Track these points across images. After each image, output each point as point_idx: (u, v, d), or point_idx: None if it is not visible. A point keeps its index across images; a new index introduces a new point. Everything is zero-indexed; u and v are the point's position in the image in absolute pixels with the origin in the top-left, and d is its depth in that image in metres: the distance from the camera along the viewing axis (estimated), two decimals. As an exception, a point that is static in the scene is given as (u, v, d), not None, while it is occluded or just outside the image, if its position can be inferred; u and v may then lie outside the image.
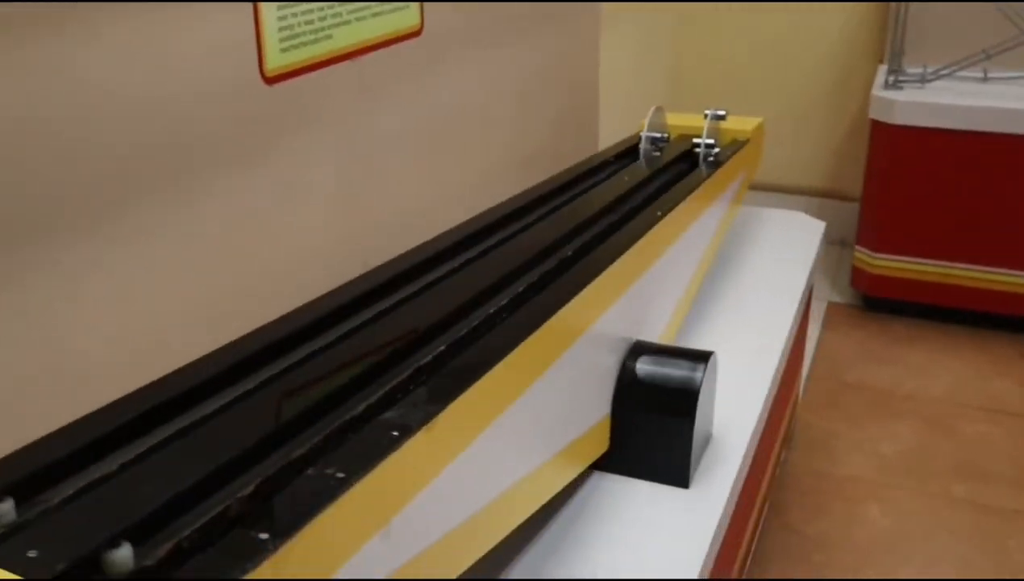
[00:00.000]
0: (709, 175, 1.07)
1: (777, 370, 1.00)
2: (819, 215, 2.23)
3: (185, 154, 0.66)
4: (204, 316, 0.68)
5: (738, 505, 0.87)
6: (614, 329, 0.77)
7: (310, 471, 0.41)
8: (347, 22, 0.80)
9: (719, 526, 0.76)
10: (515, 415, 0.59)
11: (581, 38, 1.45)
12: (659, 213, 0.87)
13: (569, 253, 0.79)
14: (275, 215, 0.76)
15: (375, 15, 0.84)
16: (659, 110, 1.25)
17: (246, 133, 0.70)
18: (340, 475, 0.40)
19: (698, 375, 0.77)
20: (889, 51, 1.86)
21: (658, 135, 1.23)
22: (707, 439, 0.85)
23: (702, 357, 0.79)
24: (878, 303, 1.87)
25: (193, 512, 0.38)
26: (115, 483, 0.41)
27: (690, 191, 0.99)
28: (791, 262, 1.25)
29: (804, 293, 1.19)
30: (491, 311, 0.64)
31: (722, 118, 1.25)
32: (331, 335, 0.58)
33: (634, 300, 0.81)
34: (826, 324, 1.88)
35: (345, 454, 0.42)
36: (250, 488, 0.39)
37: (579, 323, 0.70)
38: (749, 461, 0.89)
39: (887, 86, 1.78)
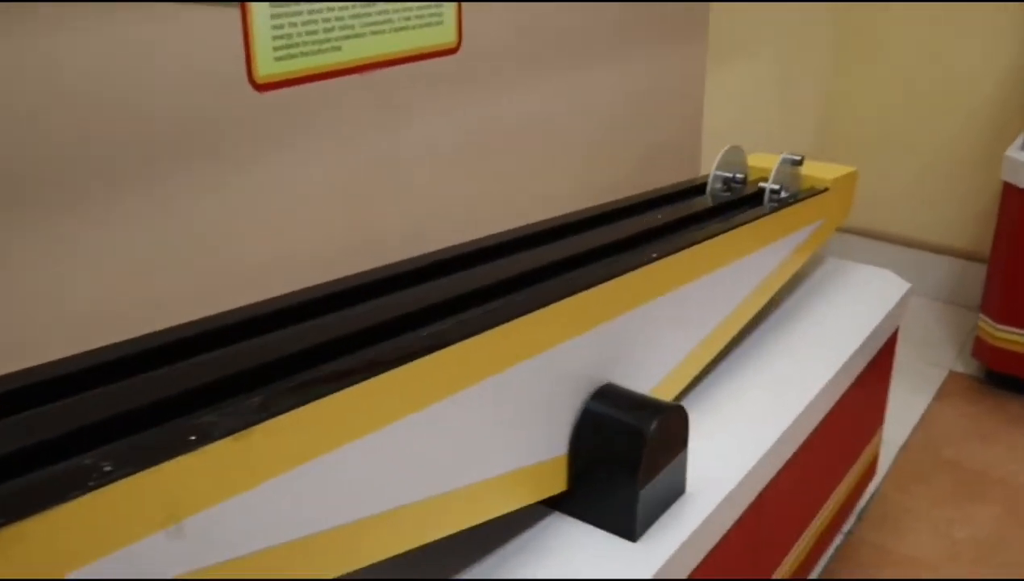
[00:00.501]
0: (755, 218, 1.02)
1: (789, 433, 0.94)
2: (961, 277, 2.06)
3: (167, 147, 0.71)
4: (156, 300, 0.73)
5: (707, 564, 0.83)
6: (574, 364, 0.75)
7: (87, 461, 0.43)
8: (360, 35, 0.82)
9: (653, 585, 0.73)
10: (405, 429, 0.60)
11: (678, 68, 1.41)
12: (654, 255, 0.84)
13: (542, 278, 0.78)
14: (250, 216, 0.80)
15: (398, 29, 0.86)
16: (735, 149, 1.20)
17: (231, 135, 0.75)
18: (108, 469, 0.43)
19: (650, 425, 0.74)
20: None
21: (729, 174, 1.18)
22: (675, 494, 0.81)
23: (662, 408, 0.76)
24: (999, 378, 1.70)
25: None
26: None
27: (722, 232, 0.95)
28: (850, 321, 1.17)
29: (857, 356, 1.11)
30: (411, 326, 0.65)
31: (798, 163, 1.19)
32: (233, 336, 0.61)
33: (608, 337, 0.79)
34: (939, 394, 1.73)
35: (129, 452, 0.45)
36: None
37: (517, 348, 0.69)
38: (723, 522, 0.84)
39: (1023, 148, 1.62)
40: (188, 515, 0.46)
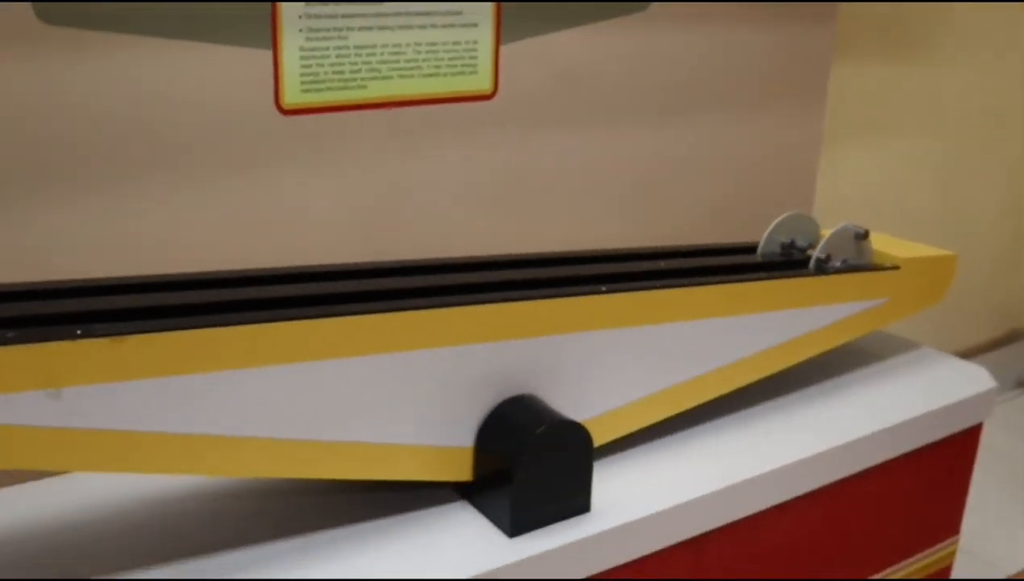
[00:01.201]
0: (764, 278, 1.05)
1: (743, 488, 0.96)
2: None
3: (195, 157, 0.94)
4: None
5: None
6: (490, 366, 0.86)
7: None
8: (388, 77, 1.01)
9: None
10: (294, 373, 0.76)
11: (785, 127, 1.42)
12: (603, 288, 0.92)
13: (491, 289, 0.90)
14: (269, 228, 1.00)
15: (427, 76, 1.03)
16: (802, 217, 1.22)
17: (256, 151, 0.96)
18: (9, 335, 0.64)
19: (536, 430, 0.83)
20: None
21: (788, 240, 1.20)
22: (575, 509, 0.88)
23: (556, 421, 0.85)
24: None
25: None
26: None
27: (713, 283, 1.00)
28: (889, 403, 1.13)
29: (882, 439, 1.07)
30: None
31: (861, 236, 1.17)
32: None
33: (536, 352, 0.89)
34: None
35: (31, 332, 0.66)
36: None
37: (431, 335, 0.82)
38: (626, 546, 0.89)
39: None
40: (65, 386, 0.66)
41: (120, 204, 0.92)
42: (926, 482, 1.20)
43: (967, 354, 2.01)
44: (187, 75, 0.91)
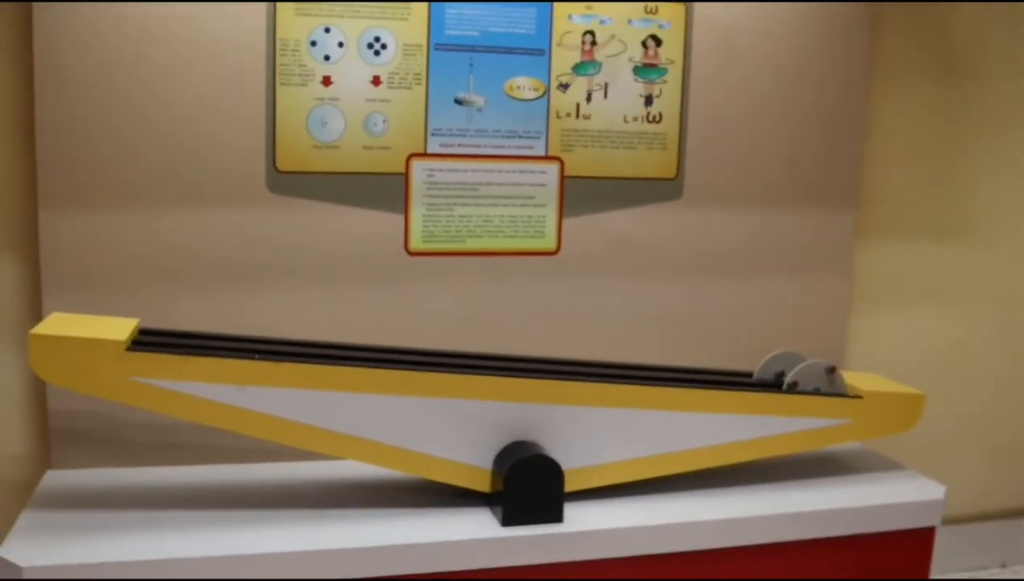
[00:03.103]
0: (729, 388, 1.44)
1: (669, 532, 1.34)
2: None
3: (352, 279, 1.54)
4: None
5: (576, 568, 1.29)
6: (506, 416, 1.33)
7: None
8: (480, 236, 1.56)
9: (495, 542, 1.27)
10: (386, 403, 1.29)
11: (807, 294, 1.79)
12: (592, 377, 1.37)
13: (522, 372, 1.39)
14: (397, 325, 1.57)
15: (508, 236, 1.58)
16: (792, 354, 1.58)
17: (393, 277, 1.54)
18: (221, 354, 1.23)
19: (519, 456, 1.29)
20: None
21: (780, 370, 1.57)
22: (551, 517, 1.31)
23: (536, 456, 1.29)
24: None
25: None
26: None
27: (696, 388, 1.41)
28: (831, 496, 1.45)
29: (816, 520, 1.40)
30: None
31: (830, 370, 1.51)
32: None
33: (536, 413, 1.35)
34: None
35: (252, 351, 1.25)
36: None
37: (460, 391, 1.32)
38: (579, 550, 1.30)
39: None
40: (247, 385, 1.24)
41: (305, 307, 1.53)
42: (878, 569, 1.47)
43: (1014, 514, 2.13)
44: (356, 228, 1.53)
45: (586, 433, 1.38)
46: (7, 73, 1.40)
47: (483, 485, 1.36)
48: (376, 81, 1.51)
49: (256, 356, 1.26)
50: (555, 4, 1.56)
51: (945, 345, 1.98)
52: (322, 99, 1.49)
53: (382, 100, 1.51)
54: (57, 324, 1.20)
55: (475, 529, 1.30)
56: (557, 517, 1.33)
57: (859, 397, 1.52)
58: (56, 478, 1.40)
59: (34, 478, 1.44)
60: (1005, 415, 2.06)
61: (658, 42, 1.61)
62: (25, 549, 1.15)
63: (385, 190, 1.53)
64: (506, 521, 1.31)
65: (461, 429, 1.33)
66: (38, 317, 1.42)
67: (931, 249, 1.93)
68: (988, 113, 1.92)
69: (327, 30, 1.47)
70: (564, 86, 1.58)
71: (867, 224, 1.87)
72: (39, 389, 1.46)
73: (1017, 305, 2.02)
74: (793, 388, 1.51)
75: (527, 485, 1.31)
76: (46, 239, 1.40)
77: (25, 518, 1.25)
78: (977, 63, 1.90)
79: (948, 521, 1.97)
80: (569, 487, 1.35)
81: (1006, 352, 2.03)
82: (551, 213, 1.60)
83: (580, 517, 1.34)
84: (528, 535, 1.29)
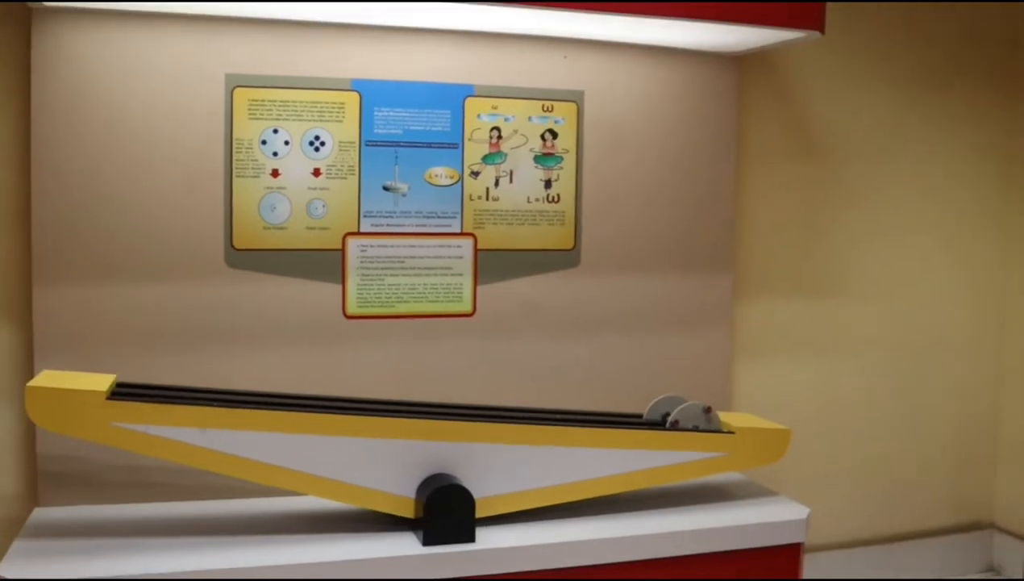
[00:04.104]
0: (616, 427, 1.71)
1: (567, 548, 1.59)
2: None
3: (295, 340, 1.80)
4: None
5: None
6: (424, 454, 1.59)
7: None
8: (406, 301, 1.84)
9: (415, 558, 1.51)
10: (317, 442, 1.54)
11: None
12: (499, 418, 1.64)
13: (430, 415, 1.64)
14: (335, 380, 1.83)
15: (431, 301, 1.85)
16: (674, 398, 1.86)
17: (331, 346, 1.81)
18: (183, 401, 1.48)
19: (435, 487, 1.54)
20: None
21: (667, 411, 1.84)
22: (465, 537, 1.56)
23: (448, 485, 1.55)
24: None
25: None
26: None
27: (588, 428, 1.68)
28: (704, 517, 1.72)
29: (687, 538, 1.67)
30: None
31: (707, 410, 1.79)
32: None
33: (452, 449, 1.60)
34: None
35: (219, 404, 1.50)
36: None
37: (381, 431, 1.57)
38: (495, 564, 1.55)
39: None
40: (207, 428, 1.49)
41: (259, 363, 1.79)
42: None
43: (933, 534, 2.41)
44: (301, 296, 1.79)
45: (496, 466, 1.64)
46: (7, 172, 1.67)
47: (408, 511, 1.61)
48: (317, 172, 1.79)
49: (215, 403, 1.51)
50: (466, 105, 1.86)
51: (818, 388, 2.28)
52: (271, 188, 1.77)
53: (322, 188, 1.80)
54: (49, 378, 1.45)
55: (400, 548, 1.54)
56: (470, 538, 1.58)
57: (732, 432, 1.80)
58: (43, 514, 1.63)
59: (23, 514, 1.66)
60: (870, 449, 2.36)
61: (554, 135, 1.93)
62: (17, 570, 1.38)
63: (325, 264, 1.81)
64: (426, 541, 1.56)
65: (389, 464, 1.59)
66: (30, 375, 1.66)
67: (801, 305, 2.25)
68: (845, 187, 2.26)
69: (275, 131, 1.76)
70: (476, 173, 1.88)
71: (745, 285, 2.18)
72: (29, 436, 1.69)
73: (877, 353, 2.34)
74: (675, 426, 1.78)
75: (443, 511, 1.56)
76: (39, 308, 1.66)
77: (16, 547, 1.47)
78: (832, 146, 2.25)
79: (821, 548, 2.26)
80: (481, 513, 1.60)
81: (871, 394, 2.34)
82: (467, 281, 1.89)
83: (490, 537, 1.59)
84: (445, 552, 1.54)
